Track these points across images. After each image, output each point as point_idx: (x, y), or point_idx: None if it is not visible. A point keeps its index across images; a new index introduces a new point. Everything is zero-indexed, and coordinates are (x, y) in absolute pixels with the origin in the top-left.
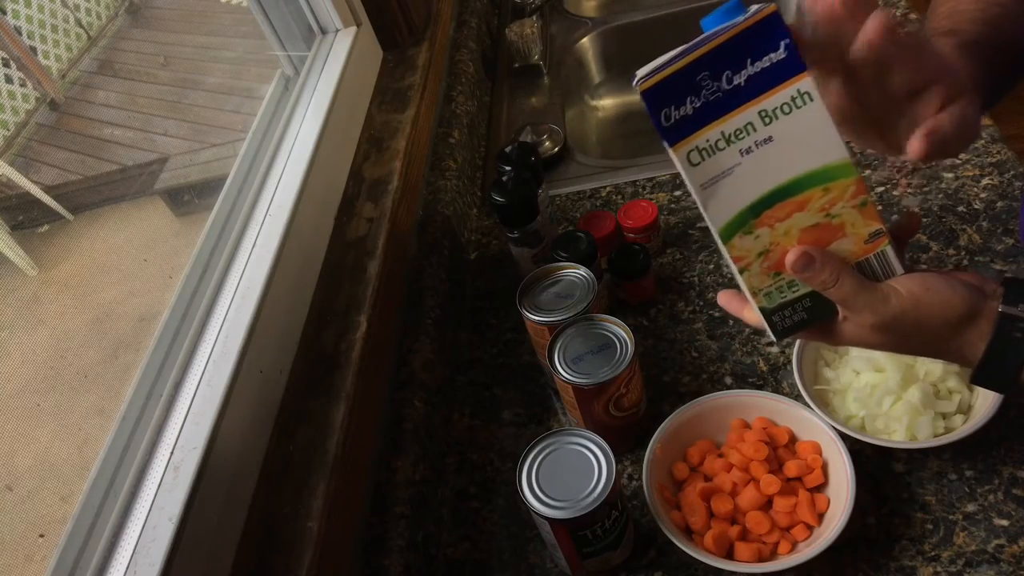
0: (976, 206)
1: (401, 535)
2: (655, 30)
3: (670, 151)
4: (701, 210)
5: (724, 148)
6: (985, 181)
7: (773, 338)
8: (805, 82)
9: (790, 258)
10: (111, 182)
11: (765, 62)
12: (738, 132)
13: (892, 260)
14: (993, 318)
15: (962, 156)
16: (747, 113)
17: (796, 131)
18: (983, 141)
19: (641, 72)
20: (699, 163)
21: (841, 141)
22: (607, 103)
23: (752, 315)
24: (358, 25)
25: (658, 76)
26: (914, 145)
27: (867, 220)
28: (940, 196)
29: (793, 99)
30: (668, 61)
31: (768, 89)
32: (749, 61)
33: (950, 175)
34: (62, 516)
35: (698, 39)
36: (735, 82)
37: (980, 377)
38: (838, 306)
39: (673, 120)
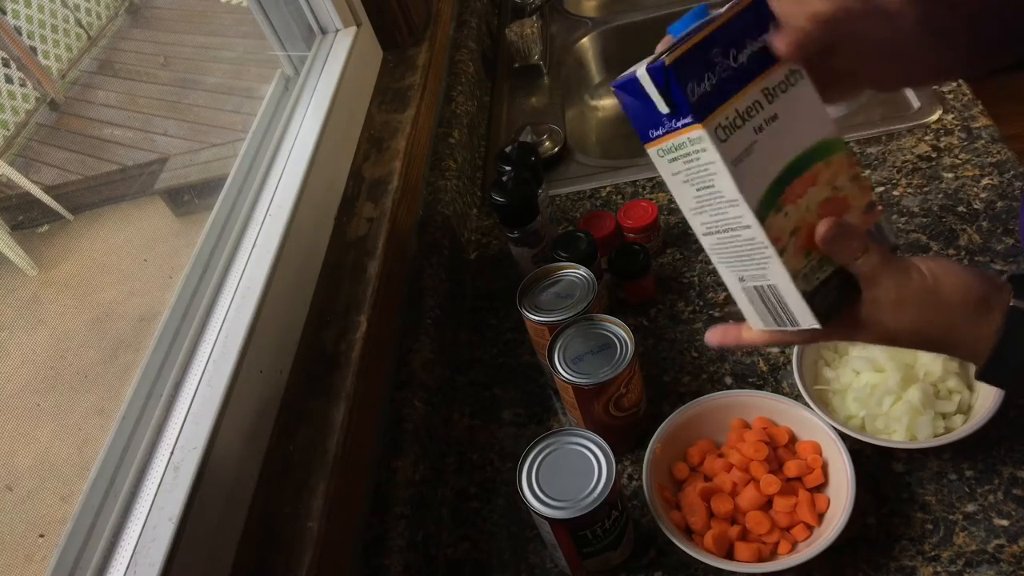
0: (976, 206)
1: (401, 535)
2: (655, 30)
3: (697, 130)
4: (734, 191)
5: (741, 126)
6: (985, 181)
7: (816, 325)
8: (779, 72)
9: (820, 229)
10: (111, 182)
11: (760, 42)
12: (749, 110)
13: (885, 231)
14: (1005, 311)
15: (962, 156)
16: (754, 91)
17: (795, 108)
18: (983, 141)
19: (636, 68)
20: (726, 140)
21: (829, 117)
22: (607, 103)
23: (751, 334)
24: (358, 25)
25: (680, 49)
26: (777, 44)
27: (863, 192)
28: (940, 196)
29: (787, 77)
30: (672, 47)
31: (766, 68)
32: (748, 40)
33: (950, 175)
34: (62, 516)
35: (696, 24)
36: (740, 60)
37: (987, 370)
38: (862, 283)
39: (698, 96)
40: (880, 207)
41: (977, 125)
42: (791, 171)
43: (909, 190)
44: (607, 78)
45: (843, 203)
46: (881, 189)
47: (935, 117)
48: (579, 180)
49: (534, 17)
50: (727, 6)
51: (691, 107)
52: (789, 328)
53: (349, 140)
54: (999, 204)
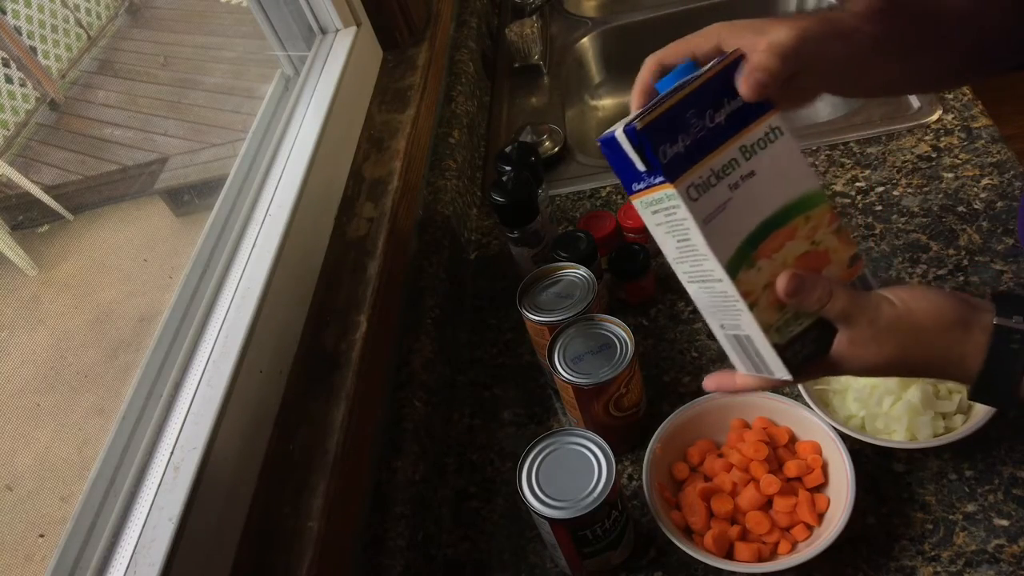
0: (976, 206)
1: (401, 535)
2: (655, 30)
3: (669, 188)
4: (705, 248)
5: (715, 184)
6: (985, 181)
7: (788, 377)
8: (775, 118)
9: (780, 283)
10: (111, 182)
11: (739, 101)
12: (725, 168)
13: (869, 282)
14: (988, 330)
15: (962, 156)
16: (731, 149)
17: (773, 164)
18: (983, 141)
19: (616, 128)
20: (697, 199)
21: (811, 171)
22: (607, 103)
23: (745, 379)
24: (358, 25)
25: (653, 114)
26: (740, 87)
27: (845, 245)
28: (940, 196)
29: (767, 134)
30: (648, 109)
31: (745, 126)
32: (726, 100)
33: (950, 175)
34: (62, 516)
35: (680, 82)
36: (717, 120)
37: (979, 389)
38: (838, 325)
39: (669, 157)
40: (862, 259)
41: (977, 125)
42: (767, 227)
43: (909, 190)
44: (607, 78)
45: (823, 257)
46: (881, 189)
47: (935, 117)
48: (579, 180)
49: (534, 17)
50: (710, 64)
51: (662, 168)
52: (767, 376)
53: (349, 140)
54: (999, 204)
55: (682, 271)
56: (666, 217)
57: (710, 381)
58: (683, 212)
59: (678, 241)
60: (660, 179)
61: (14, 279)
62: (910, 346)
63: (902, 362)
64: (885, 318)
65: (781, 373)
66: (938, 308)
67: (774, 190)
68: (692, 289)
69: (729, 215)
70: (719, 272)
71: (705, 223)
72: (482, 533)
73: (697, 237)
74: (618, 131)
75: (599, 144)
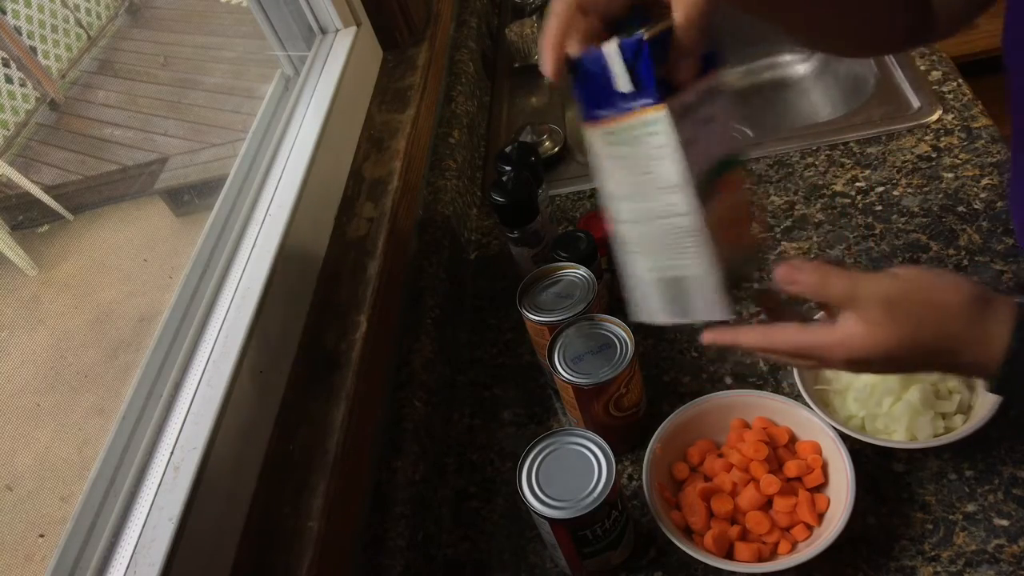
0: (976, 206)
1: (401, 535)
2: None
3: (657, 111)
4: (677, 176)
5: (685, 117)
6: (985, 181)
7: (727, 316)
8: (721, 75)
9: (778, 273)
10: (111, 182)
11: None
12: (692, 106)
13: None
14: (1013, 308)
15: (962, 156)
16: (695, 91)
17: (722, 116)
18: (983, 141)
19: (607, 43)
20: (677, 125)
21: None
22: None
23: (748, 335)
24: (358, 25)
25: (656, 29)
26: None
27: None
28: (940, 196)
29: (717, 87)
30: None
31: (702, 75)
32: None
33: (950, 175)
34: (62, 516)
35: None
36: None
37: (1007, 374)
38: (845, 309)
39: (658, 79)
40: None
41: (977, 125)
42: (721, 167)
43: (909, 190)
44: None
45: (750, 212)
46: (881, 189)
47: (935, 117)
48: (579, 180)
49: (534, 17)
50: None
51: (655, 87)
52: (692, 319)
53: (349, 140)
54: (999, 204)
55: (623, 209)
56: (631, 148)
57: (709, 334)
58: (663, 138)
59: (636, 175)
60: (645, 102)
61: (14, 279)
62: (926, 318)
63: (917, 339)
64: (895, 290)
65: (716, 313)
66: (955, 282)
67: (723, 140)
68: (627, 229)
69: (695, 149)
70: (684, 204)
71: (686, 143)
72: (482, 533)
73: (672, 164)
74: (608, 45)
75: (567, 63)
